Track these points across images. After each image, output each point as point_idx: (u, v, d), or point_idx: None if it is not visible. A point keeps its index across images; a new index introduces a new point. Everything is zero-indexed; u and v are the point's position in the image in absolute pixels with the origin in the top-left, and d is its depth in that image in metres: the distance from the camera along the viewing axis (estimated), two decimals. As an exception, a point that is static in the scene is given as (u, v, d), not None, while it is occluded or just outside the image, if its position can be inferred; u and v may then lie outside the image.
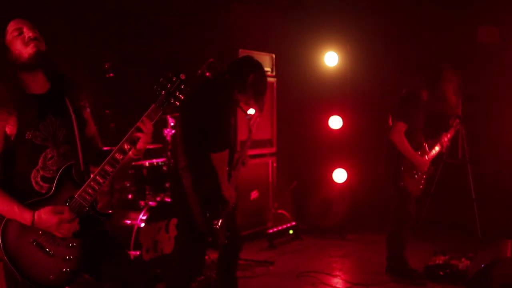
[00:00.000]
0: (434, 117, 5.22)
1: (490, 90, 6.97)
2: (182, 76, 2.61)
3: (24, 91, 2.58)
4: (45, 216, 2.45)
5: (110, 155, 2.56)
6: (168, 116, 5.47)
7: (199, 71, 5.05)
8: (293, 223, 6.71)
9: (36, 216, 2.44)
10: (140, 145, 2.59)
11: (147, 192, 4.99)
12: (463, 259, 5.12)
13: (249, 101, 3.98)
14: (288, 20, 7.21)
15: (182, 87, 2.62)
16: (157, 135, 5.54)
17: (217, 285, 4.26)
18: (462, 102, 6.87)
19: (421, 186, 5.09)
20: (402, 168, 4.94)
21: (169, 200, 4.96)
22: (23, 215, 2.44)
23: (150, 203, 4.83)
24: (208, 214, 3.77)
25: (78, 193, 2.54)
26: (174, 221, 4.92)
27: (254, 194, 6.47)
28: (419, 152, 5.02)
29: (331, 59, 7.29)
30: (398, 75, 6.11)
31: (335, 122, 7.34)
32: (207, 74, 4.98)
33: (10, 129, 2.51)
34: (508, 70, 6.91)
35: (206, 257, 4.66)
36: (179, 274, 3.92)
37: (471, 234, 6.61)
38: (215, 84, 4.01)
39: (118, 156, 2.56)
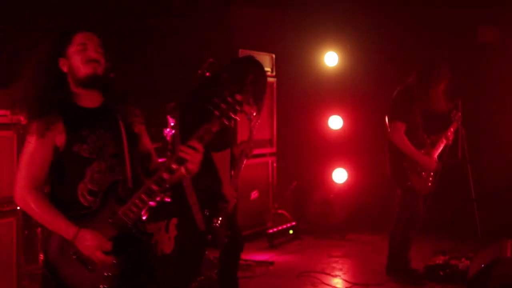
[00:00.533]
0: (433, 113, 5.21)
1: (490, 90, 6.96)
2: (238, 97, 2.52)
3: (76, 104, 2.57)
4: (89, 235, 2.41)
5: (157, 173, 2.49)
6: (168, 116, 5.47)
7: (199, 71, 5.04)
8: (293, 223, 6.71)
9: (80, 233, 2.41)
10: (189, 166, 2.52)
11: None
12: (463, 259, 5.12)
13: (249, 101, 3.97)
14: (288, 20, 7.21)
15: (237, 108, 2.53)
16: (157, 135, 5.55)
17: (217, 285, 4.25)
18: (462, 102, 6.88)
19: (429, 184, 5.05)
20: (407, 168, 4.90)
21: (169, 200, 4.96)
22: (68, 229, 2.42)
23: (150, 203, 4.83)
24: (207, 213, 3.77)
25: (121, 210, 2.48)
26: (174, 221, 4.91)
27: (254, 194, 6.47)
28: (423, 150, 4.99)
29: (331, 59, 7.29)
30: (398, 75, 6.11)
31: (335, 122, 7.34)
32: (207, 74, 4.99)
33: (59, 140, 2.49)
34: (508, 70, 6.91)
35: (205, 256, 4.66)
36: (179, 274, 3.91)
37: (471, 234, 6.60)
38: (214, 83, 4.00)
39: (165, 176, 2.48)
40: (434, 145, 5.11)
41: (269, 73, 6.61)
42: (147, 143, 2.79)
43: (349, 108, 7.10)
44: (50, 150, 2.49)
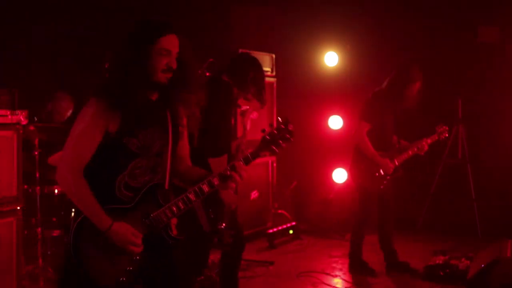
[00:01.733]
0: (406, 114, 5.25)
1: (490, 90, 6.96)
2: (290, 127, 2.61)
3: (141, 96, 2.53)
4: (123, 230, 2.43)
5: (198, 184, 2.55)
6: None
7: (199, 71, 5.04)
8: (293, 223, 6.71)
9: (115, 226, 2.43)
10: (231, 184, 2.59)
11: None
12: (463, 259, 5.12)
13: (248, 97, 3.98)
14: (288, 20, 7.21)
15: (288, 136, 2.61)
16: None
17: (217, 285, 4.25)
18: (462, 102, 6.88)
19: (381, 186, 5.09)
20: (363, 167, 5.05)
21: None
22: (103, 219, 2.42)
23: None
24: (212, 216, 3.78)
25: (156, 213, 2.53)
26: (174, 221, 4.90)
27: (254, 194, 6.47)
28: (386, 153, 5.05)
29: (331, 59, 7.29)
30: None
31: (335, 122, 7.34)
32: (207, 74, 4.98)
33: (112, 127, 2.47)
34: (508, 70, 6.91)
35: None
36: (182, 274, 3.91)
37: (471, 234, 6.61)
38: (216, 86, 3.98)
39: (205, 188, 2.55)
40: (401, 151, 5.14)
41: (269, 73, 6.61)
42: (185, 145, 2.81)
43: (349, 108, 7.09)
44: (101, 133, 2.46)
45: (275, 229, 6.44)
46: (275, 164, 6.87)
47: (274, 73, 6.77)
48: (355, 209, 5.46)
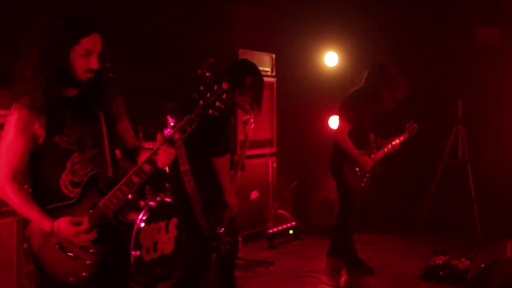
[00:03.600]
0: (387, 117, 5.39)
1: (490, 90, 6.97)
2: (224, 85, 2.47)
3: (60, 94, 2.50)
4: (63, 226, 2.42)
5: (138, 165, 2.49)
6: (168, 116, 5.46)
7: (199, 71, 5.04)
8: (293, 223, 6.70)
9: (55, 225, 2.42)
10: (160, 158, 2.50)
11: (147, 192, 4.98)
12: (463, 259, 5.13)
13: (248, 103, 4.00)
14: (288, 20, 7.20)
15: (224, 96, 2.48)
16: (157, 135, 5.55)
17: (215, 285, 4.25)
18: (462, 102, 6.88)
19: (362, 184, 5.30)
20: (345, 165, 5.19)
21: (169, 200, 4.96)
22: (43, 223, 2.43)
23: (150, 203, 4.83)
24: (212, 219, 3.77)
25: (102, 201, 2.49)
26: (174, 221, 4.92)
27: (254, 194, 6.46)
28: (363, 151, 5.22)
29: (331, 59, 7.29)
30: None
31: (335, 122, 7.33)
32: (207, 74, 4.98)
33: (39, 130, 2.46)
34: (508, 70, 6.91)
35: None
36: (186, 278, 3.92)
37: (471, 234, 6.61)
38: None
39: (146, 167, 2.49)
40: (378, 148, 5.37)
41: (269, 73, 6.61)
42: (126, 124, 2.77)
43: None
44: (29, 139, 2.46)
45: (275, 229, 6.44)
46: (275, 164, 6.87)
47: (274, 73, 6.77)
48: (340, 209, 5.52)
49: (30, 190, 2.55)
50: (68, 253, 2.47)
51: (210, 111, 2.46)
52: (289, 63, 7.11)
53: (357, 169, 5.23)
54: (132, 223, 2.66)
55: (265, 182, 6.71)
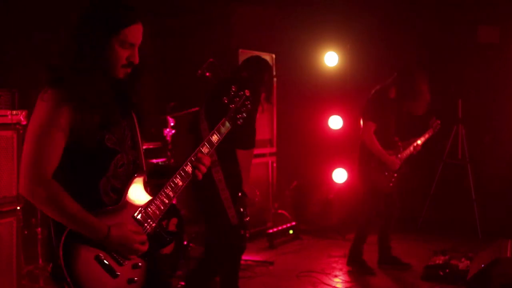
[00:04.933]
0: (412, 117, 5.37)
1: (490, 90, 6.97)
2: (247, 93, 2.56)
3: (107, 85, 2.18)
4: (122, 232, 2.08)
5: (181, 167, 2.33)
6: (168, 116, 5.47)
7: (199, 71, 5.04)
8: (293, 223, 6.70)
9: (113, 230, 2.06)
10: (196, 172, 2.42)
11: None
12: (463, 259, 5.13)
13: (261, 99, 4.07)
14: (288, 20, 7.21)
15: (247, 103, 2.56)
16: (157, 135, 5.55)
17: (219, 284, 4.25)
18: (462, 102, 6.88)
19: (391, 184, 5.24)
20: (372, 166, 5.14)
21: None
22: (97, 227, 2.05)
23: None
24: (242, 210, 3.81)
25: (147, 207, 2.23)
26: (174, 221, 4.91)
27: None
28: (391, 151, 5.18)
29: (331, 59, 7.29)
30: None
31: (335, 122, 7.34)
32: (207, 74, 4.99)
33: (78, 123, 2.07)
34: (508, 70, 6.91)
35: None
36: (206, 266, 3.95)
37: (471, 234, 6.61)
38: (246, 81, 4.02)
39: (189, 169, 2.35)
40: (404, 148, 5.32)
41: (269, 73, 6.61)
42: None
43: (349, 108, 7.09)
44: (65, 131, 2.08)
45: (275, 229, 6.44)
46: (275, 164, 6.87)
47: (274, 73, 6.77)
48: (360, 209, 5.51)
49: None
50: (110, 268, 2.10)
51: (239, 116, 2.58)
52: (289, 63, 7.12)
53: (384, 169, 5.15)
54: (178, 233, 2.51)
55: (265, 182, 6.71)
